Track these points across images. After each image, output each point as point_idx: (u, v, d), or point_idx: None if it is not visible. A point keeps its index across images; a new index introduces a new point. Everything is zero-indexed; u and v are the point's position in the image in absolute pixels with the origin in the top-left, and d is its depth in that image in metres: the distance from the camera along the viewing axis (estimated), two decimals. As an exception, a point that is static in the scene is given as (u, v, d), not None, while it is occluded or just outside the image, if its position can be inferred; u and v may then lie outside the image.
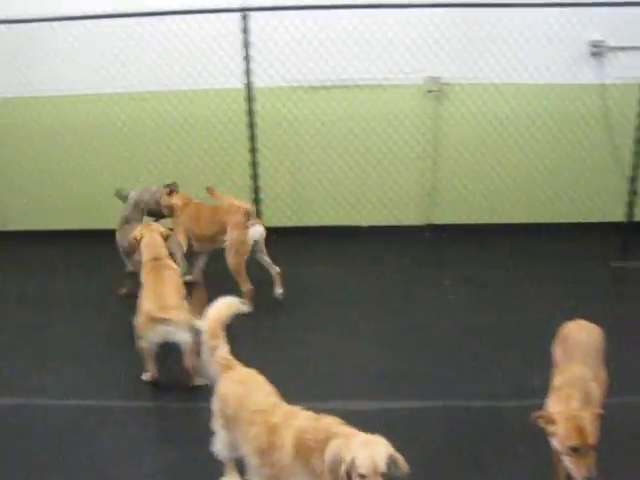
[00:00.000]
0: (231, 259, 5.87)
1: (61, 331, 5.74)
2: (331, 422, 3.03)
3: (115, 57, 7.23)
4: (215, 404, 3.54)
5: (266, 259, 6.13)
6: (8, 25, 6.94)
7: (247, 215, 5.85)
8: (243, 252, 5.86)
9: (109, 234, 6.28)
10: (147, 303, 4.76)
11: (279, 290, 6.12)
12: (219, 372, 3.55)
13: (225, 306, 3.69)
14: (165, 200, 6.26)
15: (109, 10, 6.68)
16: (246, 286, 5.86)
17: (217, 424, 3.54)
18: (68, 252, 7.41)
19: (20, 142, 7.72)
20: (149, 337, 4.70)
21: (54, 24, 6.94)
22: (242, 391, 3.37)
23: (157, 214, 6.34)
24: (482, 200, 7.43)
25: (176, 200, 6.24)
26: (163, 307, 4.68)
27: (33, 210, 7.90)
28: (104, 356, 5.31)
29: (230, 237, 5.86)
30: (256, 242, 5.95)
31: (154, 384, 4.84)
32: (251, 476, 3.40)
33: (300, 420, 3.10)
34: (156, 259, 5.10)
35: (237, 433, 3.33)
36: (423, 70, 6.99)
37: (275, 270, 6.13)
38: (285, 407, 3.25)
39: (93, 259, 7.13)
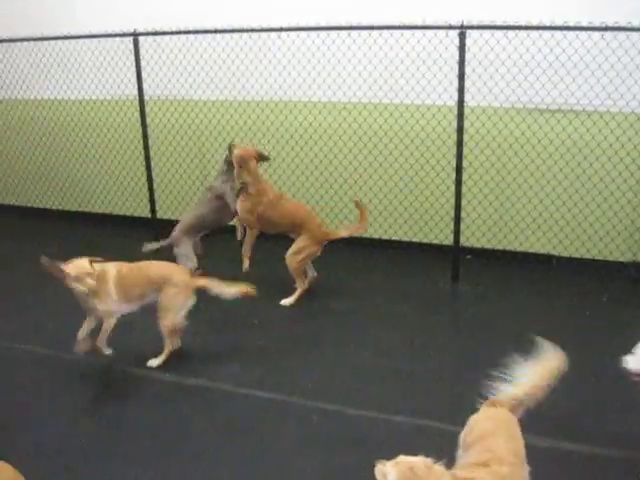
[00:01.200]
0: (296, 259, 6.38)
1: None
2: None
3: (332, 67, 7.49)
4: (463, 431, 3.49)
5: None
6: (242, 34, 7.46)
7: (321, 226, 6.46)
8: (310, 257, 6.43)
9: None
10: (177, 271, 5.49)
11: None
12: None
13: None
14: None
15: (330, 22, 6.94)
16: (302, 286, 6.45)
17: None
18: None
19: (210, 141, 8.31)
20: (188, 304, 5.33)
21: (272, 34, 7.38)
22: (489, 427, 3.35)
23: None
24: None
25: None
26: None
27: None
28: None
29: (304, 240, 6.38)
30: None
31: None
32: None
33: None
34: None
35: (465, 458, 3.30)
36: (646, 98, 6.62)
37: (313, 275, 6.68)
38: (509, 469, 3.10)
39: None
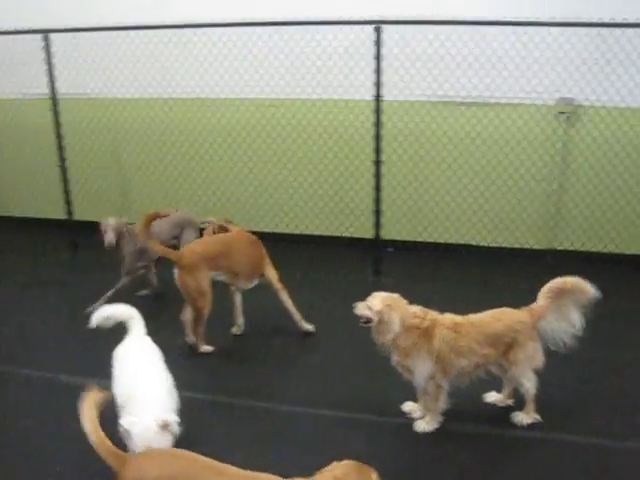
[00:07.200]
0: None
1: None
2: None
3: (249, 64, 7.47)
4: None
5: None
6: (161, 30, 7.31)
7: None
8: None
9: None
10: None
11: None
12: None
13: None
14: None
15: (248, 18, 6.85)
16: None
17: None
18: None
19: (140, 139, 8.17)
20: None
21: (198, 30, 7.25)
22: None
23: None
24: (609, 228, 7.15)
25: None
26: None
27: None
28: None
29: None
30: None
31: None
32: None
33: None
34: None
35: None
36: (556, 91, 6.80)
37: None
38: None
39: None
